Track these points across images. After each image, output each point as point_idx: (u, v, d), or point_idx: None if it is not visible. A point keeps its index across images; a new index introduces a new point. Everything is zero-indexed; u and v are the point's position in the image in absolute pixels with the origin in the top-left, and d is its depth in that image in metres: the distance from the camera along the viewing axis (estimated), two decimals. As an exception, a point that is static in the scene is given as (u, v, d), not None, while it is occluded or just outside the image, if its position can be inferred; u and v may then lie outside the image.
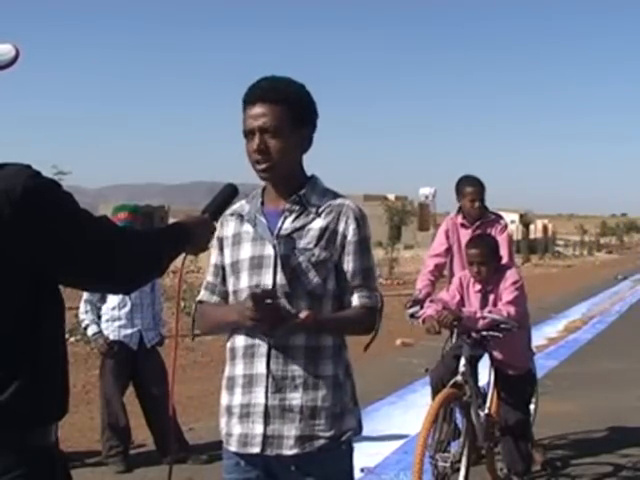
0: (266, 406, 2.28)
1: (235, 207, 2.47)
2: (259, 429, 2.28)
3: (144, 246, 1.96)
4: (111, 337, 5.38)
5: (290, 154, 2.30)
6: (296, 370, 2.27)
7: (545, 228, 68.36)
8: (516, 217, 67.22)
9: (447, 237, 5.40)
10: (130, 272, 1.92)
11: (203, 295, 2.49)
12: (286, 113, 2.27)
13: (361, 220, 2.34)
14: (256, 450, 2.29)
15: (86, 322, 5.44)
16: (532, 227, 65.97)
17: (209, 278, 2.49)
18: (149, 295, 5.46)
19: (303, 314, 2.21)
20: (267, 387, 2.28)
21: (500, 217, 5.47)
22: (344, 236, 2.31)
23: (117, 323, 5.38)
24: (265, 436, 2.28)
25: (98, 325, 5.40)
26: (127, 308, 5.38)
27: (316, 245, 2.29)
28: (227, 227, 2.44)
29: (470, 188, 5.27)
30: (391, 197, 47.45)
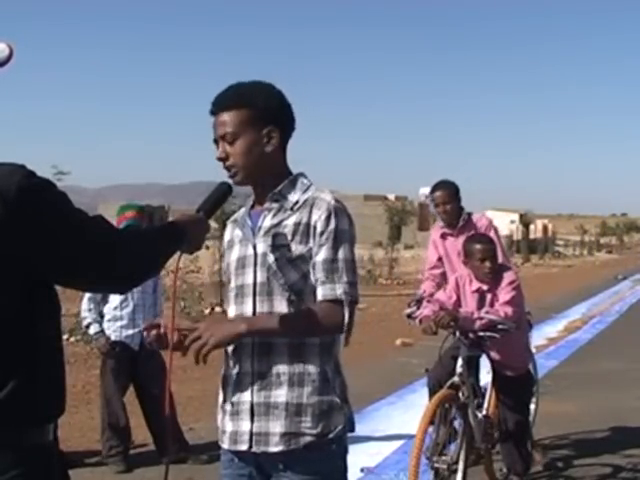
0: (252, 403, 2.29)
1: (236, 214, 2.52)
2: (246, 426, 2.30)
3: (141, 245, 1.96)
4: (112, 337, 5.38)
5: (251, 155, 2.30)
6: (280, 367, 2.27)
7: (545, 228, 68.37)
8: (516, 217, 67.17)
9: (436, 246, 5.41)
10: (128, 271, 1.92)
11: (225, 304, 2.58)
12: (243, 116, 2.29)
13: (334, 212, 2.27)
14: (244, 447, 2.31)
15: (88, 320, 5.43)
16: (532, 227, 65.93)
17: (227, 286, 2.57)
18: (151, 296, 5.46)
19: (241, 326, 2.22)
20: (252, 384, 2.29)
21: (481, 215, 5.43)
22: (314, 228, 2.28)
23: (119, 323, 5.38)
24: (252, 433, 2.29)
25: (100, 324, 5.40)
26: (129, 308, 5.38)
27: (292, 240, 2.28)
28: (226, 234, 2.53)
29: (438, 192, 5.23)
30: (391, 197, 47.40)
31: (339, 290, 2.25)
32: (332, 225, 2.27)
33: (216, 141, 2.35)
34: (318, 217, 2.28)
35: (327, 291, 2.26)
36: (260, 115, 2.30)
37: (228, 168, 2.33)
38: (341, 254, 2.27)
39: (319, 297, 2.27)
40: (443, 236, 5.33)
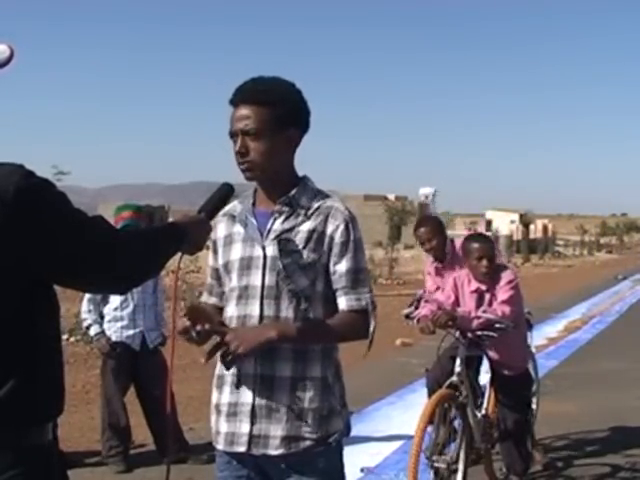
0: (253, 405, 2.28)
1: (227, 208, 2.48)
2: (245, 428, 2.29)
3: (141, 245, 1.95)
4: (113, 338, 5.37)
5: (273, 155, 2.29)
6: (284, 371, 2.27)
7: (545, 228, 68.41)
8: (516, 217, 67.16)
9: (431, 277, 5.41)
10: (127, 271, 1.91)
11: (203, 296, 2.58)
12: (269, 114, 2.26)
13: (350, 222, 2.31)
14: (242, 449, 2.30)
15: (88, 322, 5.43)
16: (532, 227, 65.93)
17: (208, 279, 2.55)
18: (152, 296, 5.46)
19: (271, 332, 2.21)
20: (254, 387, 2.28)
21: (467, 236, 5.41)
22: (332, 238, 2.29)
23: (120, 324, 5.38)
24: (251, 435, 2.28)
25: (100, 325, 5.39)
26: (130, 309, 5.37)
27: (304, 247, 2.28)
28: (219, 228, 2.47)
29: (422, 229, 5.26)
30: (391, 197, 47.41)
31: (364, 301, 2.31)
32: (352, 236, 2.30)
33: (234, 133, 2.31)
34: (335, 227, 2.29)
35: (353, 302, 2.30)
36: (286, 116, 2.29)
37: (243, 163, 2.30)
38: (362, 264, 2.34)
39: (344, 306, 2.30)
40: (436, 271, 5.34)
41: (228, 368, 2.28)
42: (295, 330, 2.25)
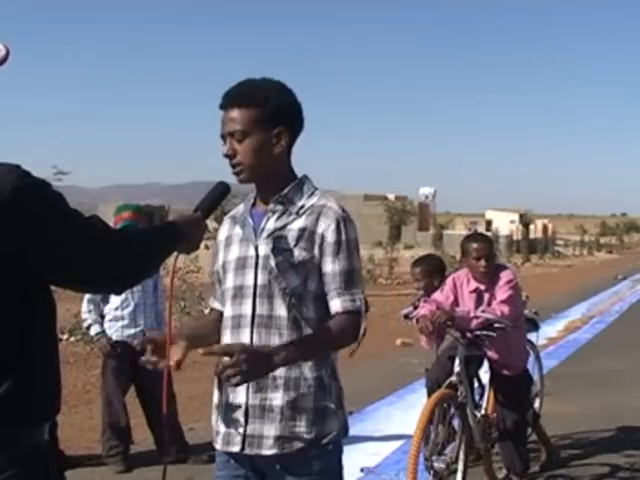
0: (247, 405, 2.28)
1: (234, 210, 2.50)
2: (240, 428, 2.30)
3: (139, 245, 1.95)
4: (114, 337, 5.38)
5: (260, 156, 2.29)
6: (277, 370, 2.24)
7: (545, 228, 68.47)
8: (516, 217, 67.18)
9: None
10: (126, 271, 1.91)
11: (210, 300, 2.59)
12: (253, 115, 2.26)
13: (342, 221, 2.28)
14: (236, 449, 2.30)
15: (89, 322, 5.43)
16: (532, 227, 65.95)
17: (215, 284, 2.55)
18: (152, 295, 5.46)
19: (275, 359, 2.11)
20: (248, 386, 2.28)
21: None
22: (323, 237, 2.27)
23: (120, 323, 5.38)
24: (245, 435, 2.28)
25: (101, 325, 5.40)
26: (130, 308, 5.37)
27: (295, 245, 2.27)
28: (223, 230, 2.49)
29: (418, 268, 5.21)
30: (391, 197, 47.41)
31: (358, 302, 2.27)
32: (343, 236, 2.27)
33: (223, 136, 2.32)
34: (327, 226, 2.27)
35: (347, 303, 2.26)
36: (271, 115, 2.28)
37: (234, 165, 2.31)
38: (355, 265, 2.30)
39: (338, 308, 2.26)
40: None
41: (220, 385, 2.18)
42: (295, 353, 2.19)
